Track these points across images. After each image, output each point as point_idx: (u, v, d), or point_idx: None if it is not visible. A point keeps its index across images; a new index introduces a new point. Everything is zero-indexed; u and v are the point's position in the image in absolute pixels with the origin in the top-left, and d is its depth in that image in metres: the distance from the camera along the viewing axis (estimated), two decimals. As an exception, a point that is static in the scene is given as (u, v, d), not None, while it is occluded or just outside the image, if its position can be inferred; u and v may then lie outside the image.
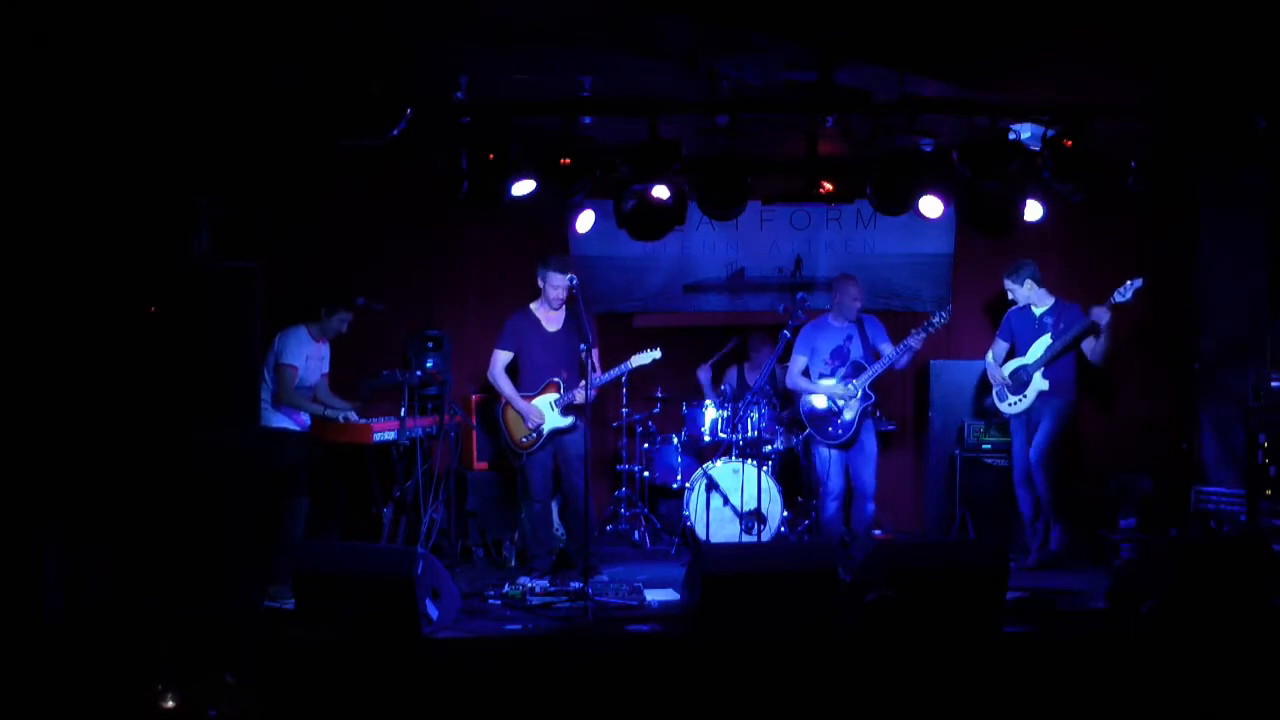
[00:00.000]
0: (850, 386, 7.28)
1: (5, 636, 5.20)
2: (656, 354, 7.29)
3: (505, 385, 7.03)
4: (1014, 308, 7.44)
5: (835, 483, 7.37)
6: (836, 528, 7.44)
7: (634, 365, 7.26)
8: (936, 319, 7.23)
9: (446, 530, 7.09)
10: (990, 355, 7.51)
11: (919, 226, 8.42)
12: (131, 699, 4.42)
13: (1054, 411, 7.19)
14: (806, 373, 7.49)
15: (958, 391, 8.31)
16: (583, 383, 6.76)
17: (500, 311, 7.77)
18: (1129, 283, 6.97)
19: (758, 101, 6.67)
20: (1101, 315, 6.97)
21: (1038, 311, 7.33)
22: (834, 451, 7.38)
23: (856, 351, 7.36)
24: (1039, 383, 7.18)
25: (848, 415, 7.30)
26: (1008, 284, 7.39)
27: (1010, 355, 7.43)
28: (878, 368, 7.28)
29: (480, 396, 7.85)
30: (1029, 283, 7.32)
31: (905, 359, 7.32)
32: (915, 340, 7.20)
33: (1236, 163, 7.18)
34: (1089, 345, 7.13)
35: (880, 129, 6.93)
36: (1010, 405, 7.33)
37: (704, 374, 8.51)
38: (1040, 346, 7.23)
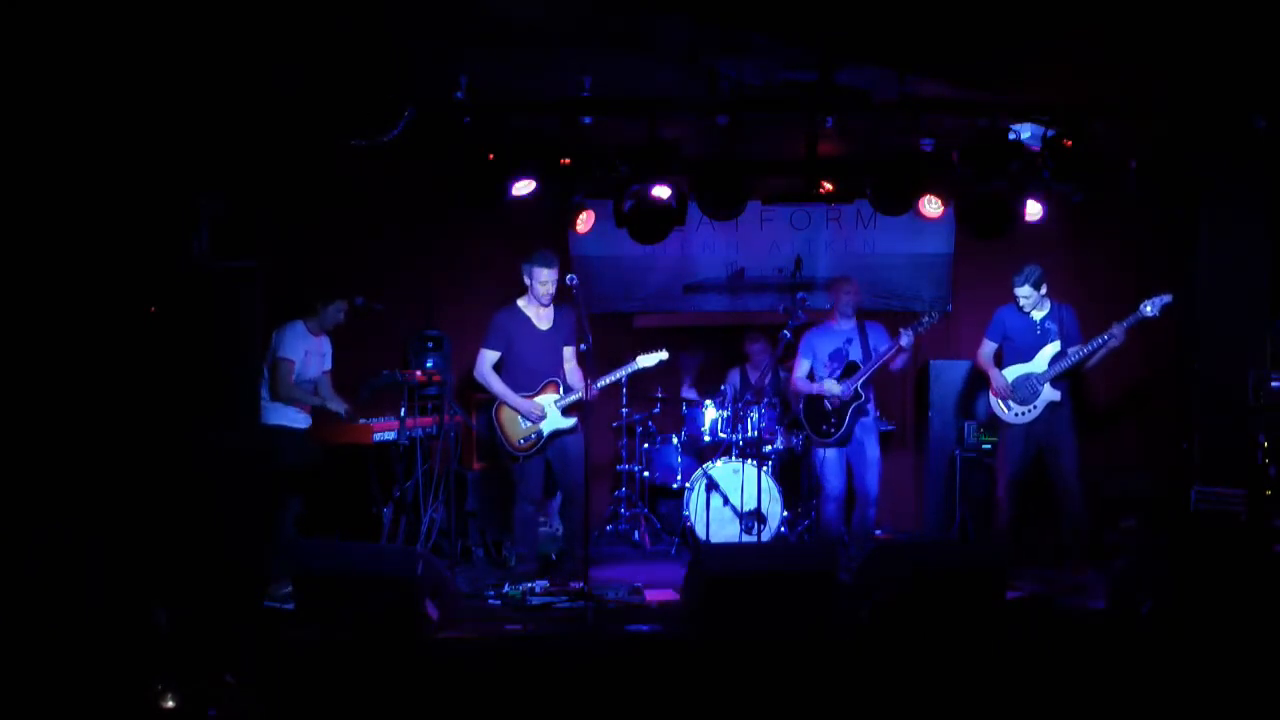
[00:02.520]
0: (839, 385, 7.24)
1: (5, 637, 5.20)
2: (663, 355, 7.09)
3: (497, 384, 6.79)
4: (1006, 306, 7.18)
5: (833, 484, 7.33)
6: (836, 528, 7.42)
7: (640, 366, 7.04)
8: (926, 319, 7.09)
9: (446, 530, 7.09)
10: (980, 357, 7.24)
11: (919, 226, 8.43)
12: (131, 699, 4.42)
13: (1068, 423, 7.00)
14: (812, 376, 7.46)
15: (958, 391, 8.31)
16: (588, 381, 6.60)
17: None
18: (1157, 297, 6.74)
19: (758, 101, 6.67)
20: (1117, 337, 6.77)
21: (1037, 316, 7.07)
22: (832, 452, 7.35)
23: (855, 354, 7.32)
24: (1049, 393, 6.94)
25: (838, 412, 7.27)
26: (1017, 288, 7.05)
27: (998, 356, 7.19)
28: (869, 367, 7.22)
29: (482, 397, 7.85)
30: (1039, 287, 7.02)
31: (901, 359, 7.28)
32: (905, 339, 7.06)
33: (1236, 163, 7.17)
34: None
35: (880, 129, 6.93)
36: (1017, 415, 7.04)
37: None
38: (1047, 355, 6.98)
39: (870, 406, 7.34)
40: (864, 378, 7.23)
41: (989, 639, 5.67)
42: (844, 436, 7.28)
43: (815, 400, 7.36)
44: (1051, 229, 7.82)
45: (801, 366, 7.46)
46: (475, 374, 6.89)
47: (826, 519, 7.39)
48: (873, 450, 7.34)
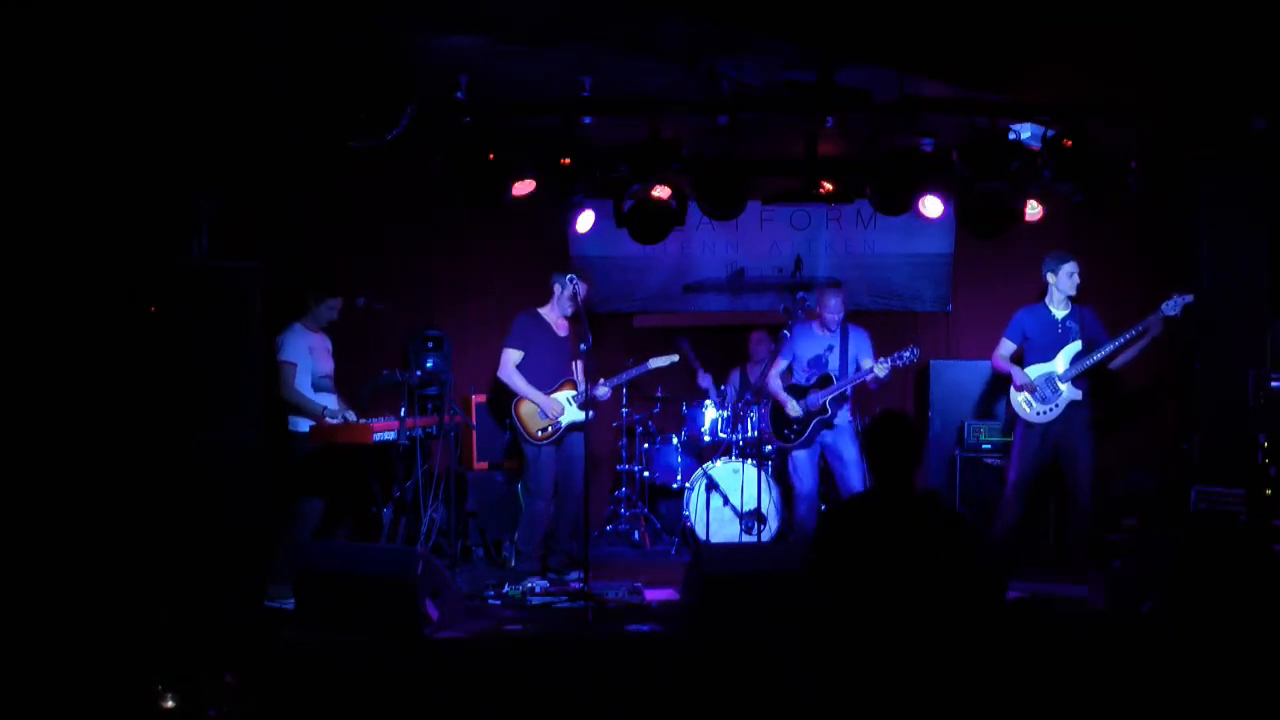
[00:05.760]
0: (799, 405, 7.25)
1: (6, 637, 5.20)
2: (675, 358, 7.52)
3: (520, 382, 6.96)
4: (1024, 308, 7.22)
5: (804, 485, 7.29)
6: (810, 529, 7.37)
7: (652, 367, 7.43)
8: (907, 354, 7.07)
9: (446, 530, 7.09)
10: (997, 357, 7.24)
11: (919, 226, 8.43)
12: (131, 699, 4.43)
13: (1086, 423, 7.01)
14: (790, 374, 7.43)
15: (958, 391, 8.30)
16: (602, 380, 7.05)
17: (500, 311, 7.77)
18: (1178, 298, 6.82)
19: (758, 101, 6.66)
20: (1155, 326, 6.80)
21: (1059, 315, 7.08)
22: (802, 454, 7.30)
23: (833, 363, 7.27)
24: (1071, 393, 6.96)
25: (801, 421, 7.27)
26: (1049, 270, 7.05)
27: (1018, 357, 7.22)
28: (840, 386, 7.19)
29: (481, 396, 7.85)
30: (1071, 274, 7.01)
31: (882, 378, 7.20)
32: (883, 370, 7.03)
33: (1236, 163, 7.17)
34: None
35: (880, 129, 6.92)
36: (1038, 414, 7.04)
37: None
38: (1068, 354, 7.00)
39: (839, 420, 7.25)
40: (833, 395, 7.19)
41: (989, 639, 5.66)
42: (806, 441, 7.25)
43: (779, 405, 7.35)
44: (1052, 229, 7.82)
45: (779, 364, 7.41)
46: (499, 374, 7.06)
47: (799, 520, 7.34)
48: (849, 451, 7.26)
